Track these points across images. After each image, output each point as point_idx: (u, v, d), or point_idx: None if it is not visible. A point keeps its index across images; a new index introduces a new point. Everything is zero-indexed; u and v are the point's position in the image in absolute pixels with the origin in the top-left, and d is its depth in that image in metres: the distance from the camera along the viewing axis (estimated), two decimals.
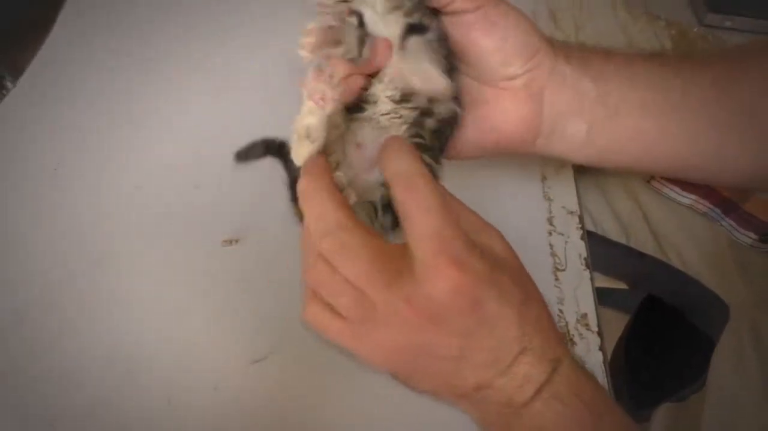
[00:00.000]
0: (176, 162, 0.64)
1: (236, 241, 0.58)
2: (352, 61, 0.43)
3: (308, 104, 0.39)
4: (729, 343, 0.62)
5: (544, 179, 0.68)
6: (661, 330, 0.82)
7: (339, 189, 0.40)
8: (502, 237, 0.41)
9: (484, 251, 0.38)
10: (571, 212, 0.65)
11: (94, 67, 0.74)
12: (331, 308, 0.39)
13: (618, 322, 0.95)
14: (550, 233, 0.63)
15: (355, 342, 0.39)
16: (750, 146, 0.49)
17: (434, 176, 0.44)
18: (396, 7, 0.42)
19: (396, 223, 0.41)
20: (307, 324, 0.40)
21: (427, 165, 0.42)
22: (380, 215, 0.42)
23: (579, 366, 0.39)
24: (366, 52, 0.43)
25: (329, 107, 0.39)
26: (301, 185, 0.40)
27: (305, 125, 0.40)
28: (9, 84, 0.77)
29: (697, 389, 0.65)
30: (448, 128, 0.46)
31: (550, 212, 0.65)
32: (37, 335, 0.51)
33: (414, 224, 0.37)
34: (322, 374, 0.50)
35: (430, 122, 0.45)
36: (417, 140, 0.44)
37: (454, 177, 0.49)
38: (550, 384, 0.37)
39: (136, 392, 0.49)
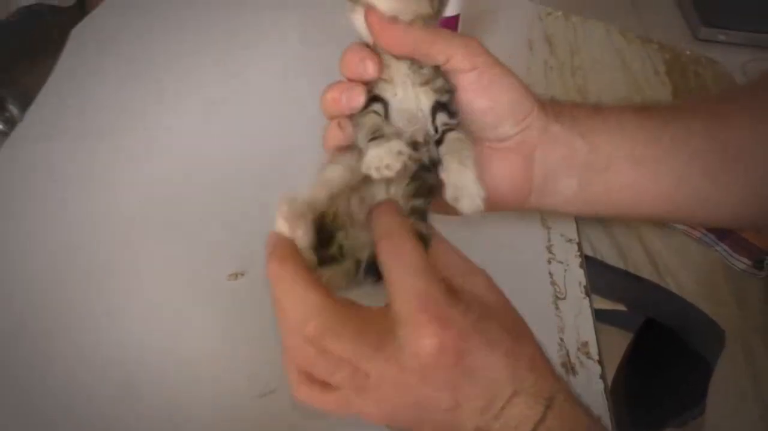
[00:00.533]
0: (182, 196, 0.65)
1: (242, 274, 0.59)
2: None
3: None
4: (726, 369, 0.63)
5: None
6: (660, 353, 0.83)
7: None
8: (489, 281, 0.42)
9: (471, 299, 0.39)
10: (570, 240, 0.67)
11: (96, 101, 0.76)
12: (323, 383, 0.40)
13: (620, 338, 0.96)
14: (550, 262, 0.64)
15: (354, 409, 0.40)
16: (738, 190, 0.50)
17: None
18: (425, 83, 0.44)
19: (376, 280, 0.42)
20: (301, 403, 0.41)
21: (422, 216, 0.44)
22: (361, 274, 0.43)
23: (574, 401, 0.40)
24: None
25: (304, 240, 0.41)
26: (270, 269, 0.40)
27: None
28: (16, 114, 0.79)
29: (697, 414, 0.66)
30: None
31: (549, 240, 0.66)
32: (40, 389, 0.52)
33: (395, 284, 0.38)
34: None
35: (430, 177, 0.45)
36: (416, 201, 0.45)
37: None
38: (544, 423, 0.38)
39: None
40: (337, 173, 0.43)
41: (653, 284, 0.72)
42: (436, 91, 0.44)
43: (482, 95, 0.46)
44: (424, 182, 0.46)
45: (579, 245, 0.66)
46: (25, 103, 0.76)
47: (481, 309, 0.39)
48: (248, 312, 0.57)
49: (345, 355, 0.38)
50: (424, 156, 0.45)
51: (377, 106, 0.44)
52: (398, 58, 0.45)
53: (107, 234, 0.62)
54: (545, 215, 0.68)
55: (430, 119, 0.45)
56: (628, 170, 0.50)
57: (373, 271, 0.42)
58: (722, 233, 0.68)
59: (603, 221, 0.75)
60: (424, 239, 0.43)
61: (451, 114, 0.44)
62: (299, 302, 0.39)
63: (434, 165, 0.46)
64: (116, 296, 0.59)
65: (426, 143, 0.46)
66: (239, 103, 0.77)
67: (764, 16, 2.60)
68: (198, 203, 0.65)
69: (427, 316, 0.36)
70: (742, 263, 0.65)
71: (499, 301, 0.41)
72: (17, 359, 0.53)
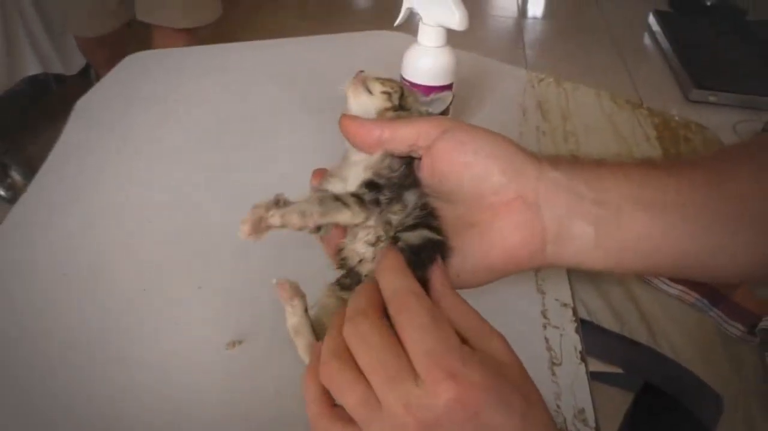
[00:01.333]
0: (180, 263, 0.66)
1: (240, 342, 0.59)
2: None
3: (287, 309, 0.47)
4: None
5: (537, 272, 0.70)
6: (659, 417, 0.82)
7: None
8: (504, 342, 0.42)
9: (484, 359, 0.39)
10: (565, 305, 0.67)
11: (99, 170, 0.78)
12: (340, 418, 0.41)
13: (619, 398, 0.96)
14: (545, 327, 0.65)
15: None
16: (751, 241, 0.50)
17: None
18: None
19: None
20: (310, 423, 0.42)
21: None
22: None
23: None
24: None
25: (299, 307, 0.47)
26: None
27: (290, 326, 0.47)
28: (19, 181, 0.80)
29: None
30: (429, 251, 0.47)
31: (544, 305, 0.67)
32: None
33: (407, 342, 0.39)
34: None
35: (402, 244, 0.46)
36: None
37: None
38: None
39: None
40: (296, 318, 0.48)
41: (649, 348, 0.72)
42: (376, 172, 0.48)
43: (461, 150, 0.47)
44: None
45: (574, 309, 0.67)
46: (27, 170, 0.78)
47: (499, 369, 0.39)
48: (245, 381, 0.57)
49: (363, 366, 0.39)
50: (385, 197, 0.47)
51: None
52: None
53: (117, 299, 0.62)
54: (540, 279, 0.69)
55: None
56: (640, 216, 0.49)
57: None
58: (716, 299, 0.68)
59: (598, 285, 0.76)
60: (442, 249, 0.46)
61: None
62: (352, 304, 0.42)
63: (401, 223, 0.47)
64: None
65: (389, 183, 0.48)
66: (242, 172, 0.79)
67: (754, 78, 2.68)
68: (196, 272, 0.66)
69: (442, 372, 0.37)
70: (736, 329, 0.66)
71: (514, 364, 0.41)
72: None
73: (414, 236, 0.46)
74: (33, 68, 1.86)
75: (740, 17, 3.10)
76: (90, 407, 0.54)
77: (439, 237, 0.47)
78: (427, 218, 0.47)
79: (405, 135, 0.47)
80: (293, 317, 0.47)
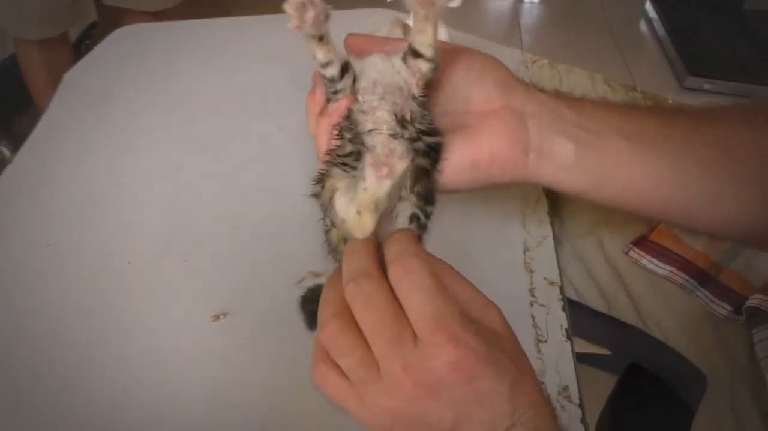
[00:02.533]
0: (166, 236, 0.66)
1: (225, 315, 0.59)
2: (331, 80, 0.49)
3: (373, 180, 0.45)
4: (707, 414, 0.63)
5: (526, 250, 0.70)
6: (643, 397, 0.83)
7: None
8: (499, 313, 0.43)
9: (481, 328, 0.40)
10: (553, 283, 0.67)
11: (85, 144, 0.77)
12: (339, 369, 0.41)
13: (604, 381, 0.96)
14: (532, 305, 0.65)
15: (356, 404, 0.41)
16: (738, 188, 0.51)
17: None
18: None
19: None
20: (315, 383, 0.43)
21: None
22: None
23: None
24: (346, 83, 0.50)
25: (396, 176, 0.45)
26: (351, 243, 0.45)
27: (375, 199, 0.45)
28: (8, 156, 0.79)
29: None
30: (436, 154, 0.50)
31: (532, 283, 0.67)
32: (27, 401, 0.52)
33: (409, 304, 0.39)
34: None
35: (420, 145, 0.49)
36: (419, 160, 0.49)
37: (436, 249, 0.52)
38: None
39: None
40: (384, 190, 0.46)
41: (636, 329, 0.72)
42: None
43: (457, 61, 0.51)
44: (421, 167, 0.49)
45: (561, 288, 0.66)
46: (17, 145, 0.77)
47: (493, 339, 0.40)
48: (230, 354, 0.57)
49: (364, 327, 0.40)
50: (413, 133, 0.49)
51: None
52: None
53: (101, 272, 0.62)
54: (529, 257, 0.69)
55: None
56: (621, 143, 0.50)
57: None
58: (704, 279, 0.68)
59: (586, 265, 0.76)
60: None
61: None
62: (354, 263, 0.43)
63: (428, 148, 0.49)
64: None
65: (413, 120, 0.49)
66: (230, 148, 0.79)
67: (749, 67, 2.67)
68: (183, 246, 0.65)
69: (444, 336, 0.38)
70: (723, 308, 0.66)
71: (508, 335, 0.42)
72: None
73: (430, 139, 0.49)
74: None
75: (737, 6, 3.09)
76: (73, 377, 0.53)
77: (442, 140, 0.49)
78: (434, 126, 0.50)
79: (404, 48, 0.49)
80: (381, 190, 0.45)
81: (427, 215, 0.50)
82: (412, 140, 0.49)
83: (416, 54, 0.48)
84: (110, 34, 0.99)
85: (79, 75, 0.89)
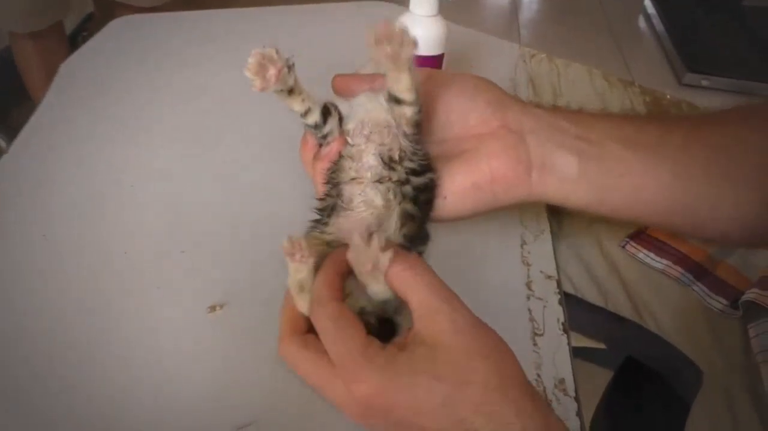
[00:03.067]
0: (163, 227, 0.66)
1: (221, 306, 0.59)
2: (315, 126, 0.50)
3: (292, 265, 0.45)
4: (702, 409, 0.63)
5: (523, 244, 0.70)
6: (639, 392, 0.83)
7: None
8: (448, 322, 0.41)
9: (392, 357, 0.40)
10: (550, 277, 0.67)
11: (82, 135, 0.77)
12: (306, 346, 0.43)
13: (601, 376, 0.96)
14: (529, 298, 0.65)
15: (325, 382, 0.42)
16: (738, 190, 0.51)
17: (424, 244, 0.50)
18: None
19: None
20: (282, 358, 0.45)
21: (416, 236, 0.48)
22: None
23: None
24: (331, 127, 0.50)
25: (310, 262, 0.45)
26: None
27: (297, 282, 0.45)
28: (4, 147, 0.79)
29: None
30: (426, 194, 0.49)
31: (529, 276, 0.67)
32: (23, 392, 0.52)
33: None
34: None
35: (407, 189, 0.49)
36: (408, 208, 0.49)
37: (433, 244, 0.52)
38: None
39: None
40: (304, 274, 0.46)
41: (633, 323, 0.72)
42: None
43: (447, 88, 0.51)
44: (407, 212, 0.49)
45: (558, 282, 0.67)
46: (12, 136, 0.76)
47: (411, 361, 0.40)
48: (226, 345, 0.57)
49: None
50: (401, 174, 0.48)
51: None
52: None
53: (97, 262, 0.62)
54: (526, 251, 0.69)
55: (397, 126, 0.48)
56: (623, 153, 0.50)
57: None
58: (700, 274, 0.68)
59: (583, 260, 0.76)
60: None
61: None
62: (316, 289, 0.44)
63: (416, 192, 0.49)
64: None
65: (401, 159, 0.49)
66: (229, 142, 0.78)
67: (747, 64, 2.68)
68: (179, 237, 0.65)
69: (348, 376, 0.40)
70: (719, 303, 0.66)
71: (453, 346, 0.40)
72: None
73: (419, 180, 0.49)
74: None
75: (735, 3, 3.09)
76: (71, 375, 0.53)
77: (435, 176, 0.49)
78: (427, 161, 0.49)
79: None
80: (300, 274, 0.45)
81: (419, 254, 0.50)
82: (400, 183, 0.48)
83: (397, 101, 0.47)
84: (107, 24, 0.98)
85: (75, 66, 0.89)
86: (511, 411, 0.38)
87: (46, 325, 0.56)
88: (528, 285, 0.66)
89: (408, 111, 0.47)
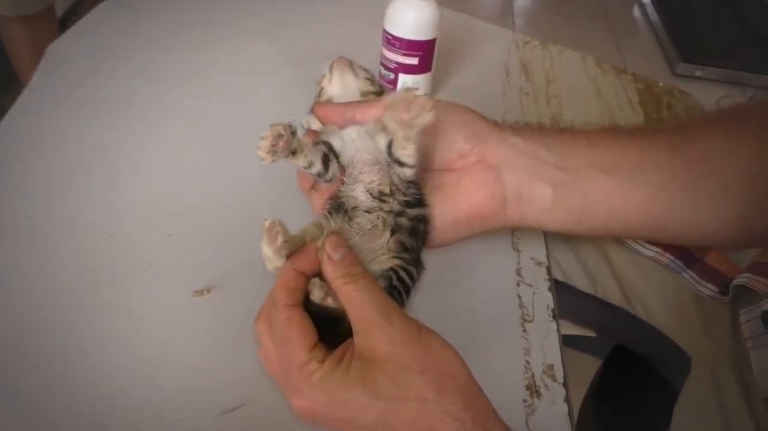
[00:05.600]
0: (150, 210, 0.65)
1: (208, 291, 0.58)
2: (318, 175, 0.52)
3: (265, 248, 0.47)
4: (691, 395, 0.63)
5: (513, 230, 0.70)
6: (628, 379, 0.83)
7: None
8: (384, 335, 0.41)
9: (331, 374, 0.40)
10: (540, 263, 0.67)
11: (69, 117, 0.76)
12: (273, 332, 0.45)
13: (590, 365, 0.97)
14: (519, 284, 0.64)
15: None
16: (716, 205, 0.51)
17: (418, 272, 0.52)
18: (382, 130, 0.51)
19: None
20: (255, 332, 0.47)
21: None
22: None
23: None
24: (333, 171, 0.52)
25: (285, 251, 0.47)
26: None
27: (266, 253, 0.47)
28: None
29: None
30: (421, 225, 0.52)
31: (519, 263, 0.67)
32: (9, 379, 0.51)
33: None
34: (294, 426, 0.51)
35: (403, 221, 0.51)
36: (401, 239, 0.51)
37: None
38: None
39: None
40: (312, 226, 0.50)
41: (622, 310, 0.72)
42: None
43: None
44: (402, 227, 0.51)
45: (548, 268, 0.66)
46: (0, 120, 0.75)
47: (351, 377, 0.40)
48: (212, 330, 0.56)
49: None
50: (394, 206, 0.51)
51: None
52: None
53: (84, 244, 0.61)
54: (516, 238, 0.69)
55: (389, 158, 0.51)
56: (601, 180, 0.51)
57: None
58: (690, 260, 0.68)
59: (573, 246, 0.75)
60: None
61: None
62: (272, 291, 0.46)
63: (414, 222, 0.52)
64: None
65: (393, 192, 0.51)
66: (220, 124, 0.78)
67: (741, 54, 2.67)
68: (167, 220, 0.65)
69: (287, 389, 0.43)
70: (708, 289, 0.66)
71: (389, 358, 0.41)
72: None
73: (414, 212, 0.52)
74: None
75: None
76: (49, 349, 0.53)
77: (425, 212, 0.52)
78: (420, 194, 0.52)
79: (374, 114, 0.51)
80: (267, 249, 0.46)
81: (412, 277, 0.51)
82: (395, 214, 0.51)
83: (400, 163, 0.50)
84: (96, 6, 0.97)
85: (63, 48, 0.88)
86: (450, 426, 0.39)
87: (31, 306, 0.55)
88: (518, 272, 0.66)
89: (408, 172, 0.50)
